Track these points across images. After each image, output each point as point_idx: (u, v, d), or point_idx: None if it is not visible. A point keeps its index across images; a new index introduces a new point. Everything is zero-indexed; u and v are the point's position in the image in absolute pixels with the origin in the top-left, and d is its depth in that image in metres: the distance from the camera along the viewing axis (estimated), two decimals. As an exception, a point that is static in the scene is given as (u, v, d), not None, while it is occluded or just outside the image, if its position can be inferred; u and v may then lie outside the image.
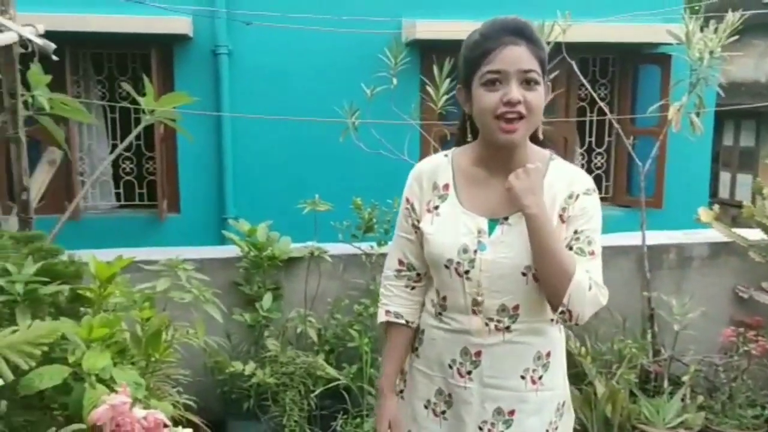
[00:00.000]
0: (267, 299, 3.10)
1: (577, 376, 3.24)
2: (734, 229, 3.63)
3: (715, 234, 3.64)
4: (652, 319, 3.45)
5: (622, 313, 3.44)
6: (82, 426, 1.53)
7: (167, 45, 5.88)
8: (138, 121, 3.21)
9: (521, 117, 1.49)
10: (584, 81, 3.99)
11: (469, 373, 1.62)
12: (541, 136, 1.66)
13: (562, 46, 3.35)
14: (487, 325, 1.59)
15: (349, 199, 3.30)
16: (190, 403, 2.31)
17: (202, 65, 5.96)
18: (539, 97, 1.50)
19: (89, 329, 1.71)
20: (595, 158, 6.92)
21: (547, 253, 1.50)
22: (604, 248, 3.36)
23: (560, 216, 1.58)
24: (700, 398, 3.27)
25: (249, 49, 5.98)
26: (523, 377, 1.62)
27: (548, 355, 1.63)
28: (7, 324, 1.67)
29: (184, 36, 5.77)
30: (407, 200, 1.69)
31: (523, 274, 1.56)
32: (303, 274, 3.25)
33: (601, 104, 4.07)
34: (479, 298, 1.58)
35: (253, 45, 5.95)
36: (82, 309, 1.96)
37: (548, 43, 3.11)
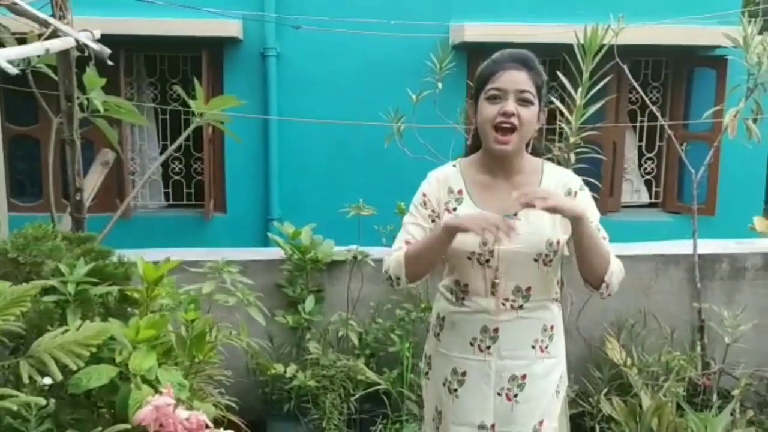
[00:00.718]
0: (309, 302, 3.13)
1: (621, 388, 3.18)
2: (791, 240, 3.52)
3: (771, 244, 3.53)
4: (702, 331, 3.36)
5: (671, 324, 3.37)
6: (127, 426, 1.56)
7: (217, 47, 5.98)
8: (188, 123, 3.27)
9: (514, 130, 1.80)
10: (635, 84, 3.91)
11: (489, 348, 1.89)
12: (538, 147, 2.00)
13: (614, 49, 3.28)
14: (503, 304, 1.87)
15: (394, 202, 3.30)
16: (232, 404, 2.34)
17: (251, 67, 6.04)
18: (532, 114, 1.82)
19: (136, 330, 1.74)
20: (645, 163, 6.77)
21: (593, 245, 1.79)
22: (654, 256, 3.39)
23: None
24: (750, 413, 3.17)
25: (297, 52, 6.04)
26: (533, 346, 1.90)
27: (552, 327, 1.93)
28: (58, 324, 1.72)
29: (234, 39, 5.86)
30: (425, 194, 1.94)
31: (535, 260, 1.86)
32: (345, 278, 3.26)
33: (653, 108, 3.96)
34: (497, 281, 1.85)
35: (301, 48, 6.00)
36: (129, 310, 2.00)
37: (602, 46, 3.05)
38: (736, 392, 3.13)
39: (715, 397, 3.19)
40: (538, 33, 5.21)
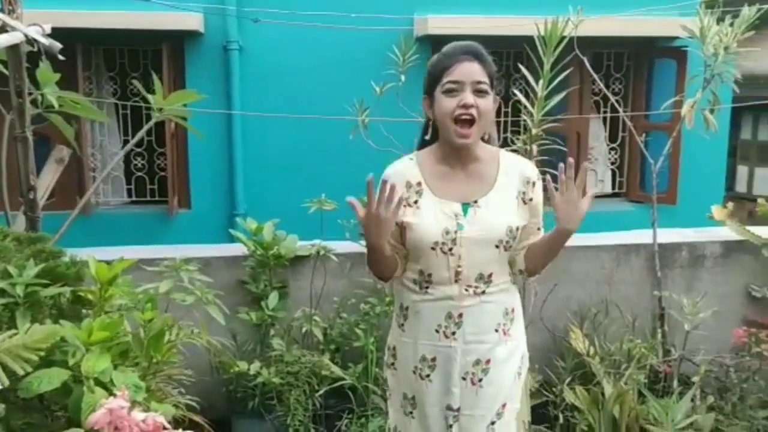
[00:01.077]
0: (273, 298, 3.10)
1: (585, 377, 3.22)
2: (748, 227, 3.58)
3: (728, 232, 3.58)
4: (663, 319, 3.41)
5: (632, 313, 3.41)
6: (81, 430, 1.53)
7: (178, 41, 5.88)
8: (150, 118, 3.21)
9: (473, 121, 1.83)
10: (595, 76, 3.94)
11: (454, 333, 1.92)
12: (493, 136, 2.01)
13: (574, 41, 3.29)
14: (466, 290, 1.90)
15: (360, 195, 3.27)
16: (193, 403, 2.31)
17: (213, 61, 5.95)
18: (488, 104, 1.86)
19: (89, 332, 1.71)
20: (609, 153, 6.84)
21: (557, 253, 1.95)
22: (616, 246, 3.46)
23: (522, 199, 1.94)
24: (711, 399, 3.23)
25: (260, 46, 5.97)
26: (496, 330, 1.95)
27: (513, 310, 1.99)
28: (7, 327, 1.68)
29: (195, 32, 5.77)
30: None
31: (496, 246, 1.90)
32: (309, 273, 3.24)
33: (613, 99, 4.00)
34: (460, 269, 1.88)
35: (264, 41, 5.93)
36: (84, 311, 1.96)
37: (562, 38, 3.06)
38: (696, 378, 3.19)
39: (675, 383, 3.24)
40: (502, 25, 5.23)
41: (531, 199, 1.95)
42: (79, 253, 2.07)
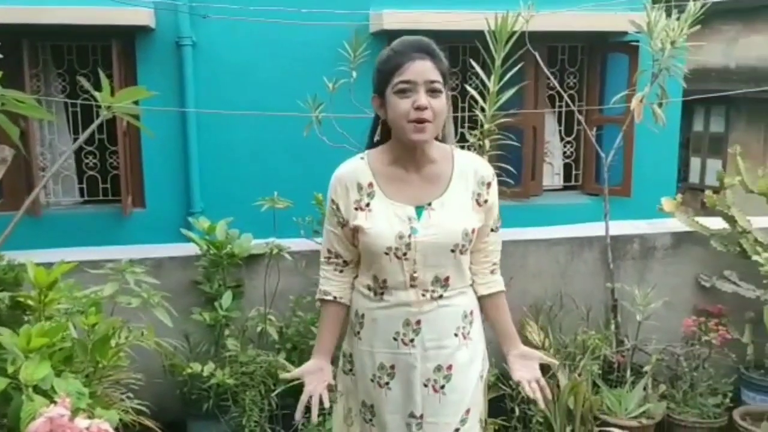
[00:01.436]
0: (226, 298, 3.05)
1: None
2: (696, 218, 3.66)
3: (679, 223, 3.66)
4: (616, 310, 3.47)
5: (586, 304, 3.46)
6: (19, 440, 1.48)
7: (129, 37, 5.75)
8: (100, 115, 3.12)
9: (428, 122, 1.75)
10: (547, 71, 3.97)
11: (412, 341, 1.86)
12: (450, 131, 1.95)
13: (526, 36, 3.31)
14: (423, 295, 1.85)
15: (314, 192, 3.24)
16: (143, 408, 2.26)
17: (166, 57, 5.82)
18: (442, 103, 1.78)
19: (27, 338, 1.66)
20: (565, 146, 6.92)
21: None
22: (570, 239, 3.50)
23: (476, 201, 1.88)
24: (662, 387, 3.30)
25: (213, 41, 5.87)
26: (456, 334, 1.89)
27: (471, 313, 1.94)
28: (-60, 336, 1.62)
29: (146, 27, 5.64)
30: (332, 201, 1.90)
31: (452, 251, 1.83)
32: (264, 272, 3.20)
33: (564, 95, 4.06)
34: (416, 274, 1.83)
35: (217, 37, 5.84)
36: (25, 316, 1.90)
37: (514, 32, 3.07)
38: (648, 368, 3.26)
39: (628, 373, 3.30)
40: (458, 20, 5.24)
41: (486, 201, 1.89)
42: (20, 256, 2.01)
